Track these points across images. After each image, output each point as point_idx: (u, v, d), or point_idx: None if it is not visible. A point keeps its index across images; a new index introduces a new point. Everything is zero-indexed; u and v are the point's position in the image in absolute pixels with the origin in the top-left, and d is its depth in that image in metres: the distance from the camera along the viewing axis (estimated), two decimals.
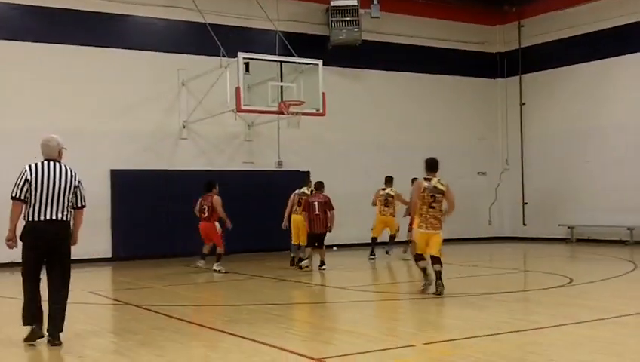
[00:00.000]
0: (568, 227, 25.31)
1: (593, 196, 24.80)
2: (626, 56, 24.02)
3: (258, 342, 8.68)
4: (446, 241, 24.90)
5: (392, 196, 19.97)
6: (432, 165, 13.70)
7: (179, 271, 17.99)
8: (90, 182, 20.28)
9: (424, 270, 13.04)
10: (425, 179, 13.37)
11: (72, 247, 9.03)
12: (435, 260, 12.94)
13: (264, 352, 8.23)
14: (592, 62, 25.04)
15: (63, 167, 8.93)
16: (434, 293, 12.40)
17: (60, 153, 9.06)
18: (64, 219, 8.80)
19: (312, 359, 7.77)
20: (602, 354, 7.88)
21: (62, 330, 8.70)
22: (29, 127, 19.63)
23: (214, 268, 17.12)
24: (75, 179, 9.01)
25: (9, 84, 20.05)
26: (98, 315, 11.86)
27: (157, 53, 21.88)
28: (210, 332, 9.69)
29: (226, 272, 16.80)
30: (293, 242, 18.28)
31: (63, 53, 20.68)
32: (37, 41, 20.41)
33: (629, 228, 23.41)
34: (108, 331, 10.36)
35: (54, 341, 8.58)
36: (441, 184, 13.31)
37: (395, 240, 20.53)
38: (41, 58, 20.44)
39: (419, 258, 13.16)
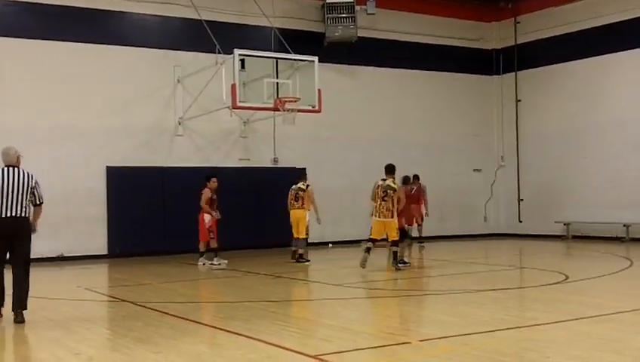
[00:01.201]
0: (564, 224, 25.34)
1: (589, 193, 24.84)
2: (622, 52, 24.05)
3: (254, 338, 8.67)
4: (442, 238, 25.15)
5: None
6: (388, 169, 16.62)
7: (175, 268, 18.00)
8: (86, 178, 20.63)
9: (368, 249, 16.15)
10: (382, 179, 16.38)
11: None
12: (393, 243, 16.29)
13: (260, 349, 8.22)
14: (588, 58, 25.07)
15: (22, 172, 10.32)
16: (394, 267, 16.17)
17: (18, 159, 10.48)
18: (23, 215, 10.23)
19: (309, 356, 7.75)
20: (599, 350, 7.88)
21: (25, 308, 10.15)
22: (25, 125, 19.70)
23: (209, 263, 17.41)
24: (32, 181, 10.34)
25: (4, 81, 20.02)
26: (94, 312, 11.86)
27: (153, 49, 21.85)
28: (206, 328, 9.69)
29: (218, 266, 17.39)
30: (301, 237, 18.60)
31: (59, 51, 20.64)
32: (32, 38, 20.38)
33: (624, 225, 23.45)
34: (104, 327, 10.35)
35: (18, 318, 10.00)
36: (394, 183, 16.29)
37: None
38: (37, 55, 20.40)
39: (369, 240, 16.43)
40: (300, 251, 18.48)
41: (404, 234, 17.45)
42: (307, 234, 18.82)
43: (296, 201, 18.55)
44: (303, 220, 18.44)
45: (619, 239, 23.44)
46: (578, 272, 15.41)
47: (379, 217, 16.11)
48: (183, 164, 21.88)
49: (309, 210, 18.56)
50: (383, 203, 16.06)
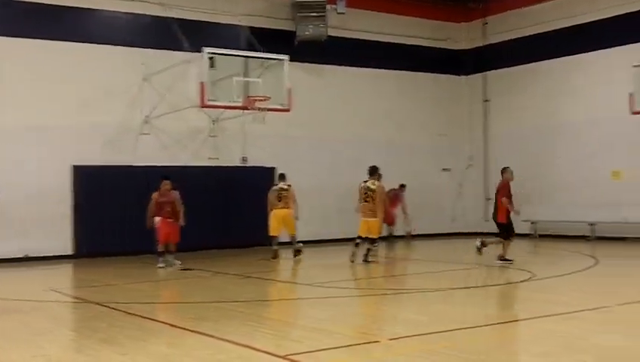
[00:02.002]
0: (531, 222, 25.48)
1: (556, 192, 25.04)
2: (589, 53, 24.24)
3: (223, 339, 8.61)
4: (411, 237, 25.16)
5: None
6: (370, 170, 17.87)
7: (142, 268, 17.86)
8: (51, 177, 20.38)
9: (356, 244, 17.44)
10: (364, 181, 17.63)
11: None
12: (370, 240, 17.54)
13: (229, 350, 8.16)
14: (556, 59, 25.24)
15: None
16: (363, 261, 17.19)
17: None
18: None
19: (278, 356, 7.72)
20: (564, 347, 7.93)
21: None
22: None
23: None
24: None
25: None
26: (59, 313, 11.72)
27: (120, 47, 21.60)
28: (174, 329, 9.60)
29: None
30: (271, 234, 19.15)
31: (24, 48, 20.35)
32: None
33: (590, 224, 23.65)
34: (69, 329, 10.24)
35: None
36: (374, 185, 17.48)
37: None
38: (1, 53, 20.12)
39: (358, 237, 17.65)
40: (296, 245, 19.34)
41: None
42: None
43: (280, 201, 19.05)
44: (289, 218, 19.13)
45: (584, 238, 23.64)
46: (544, 270, 15.51)
47: (363, 217, 17.49)
48: (150, 162, 21.69)
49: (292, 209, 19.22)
50: (365, 203, 17.41)
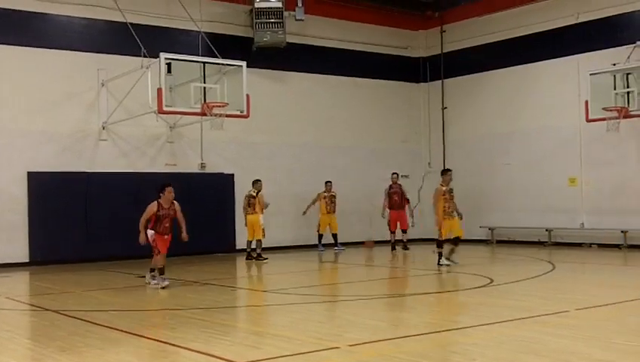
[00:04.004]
0: (489, 228, 25.73)
1: (513, 198, 25.30)
2: (545, 61, 24.55)
3: (181, 347, 8.56)
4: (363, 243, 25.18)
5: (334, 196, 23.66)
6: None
7: (99, 276, 17.68)
8: (6, 184, 20.11)
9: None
10: (441, 184, 17.92)
11: None
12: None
13: (187, 357, 8.11)
14: (512, 67, 25.55)
15: None
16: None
17: None
18: None
19: None
20: (524, 352, 7.99)
21: None
22: None
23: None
24: None
25: None
26: (15, 321, 11.56)
27: (76, 52, 21.40)
28: (132, 337, 9.51)
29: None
30: (248, 238, 20.67)
31: None
32: None
33: (547, 230, 23.93)
34: (25, 337, 10.10)
35: None
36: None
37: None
38: None
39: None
40: (258, 251, 20.44)
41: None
42: (263, 235, 20.48)
43: (249, 207, 20.57)
44: (257, 223, 20.35)
45: (541, 243, 23.91)
46: (502, 276, 15.63)
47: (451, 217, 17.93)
48: (107, 169, 21.52)
49: (262, 214, 20.45)
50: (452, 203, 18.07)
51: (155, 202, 14.75)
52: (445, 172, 18.37)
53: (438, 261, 17.60)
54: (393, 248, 23.27)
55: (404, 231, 23.66)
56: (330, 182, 23.62)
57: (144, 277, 15.50)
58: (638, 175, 22.30)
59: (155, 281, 14.85)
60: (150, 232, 14.66)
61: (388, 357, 7.92)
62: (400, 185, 23.88)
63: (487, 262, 20.55)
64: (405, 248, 23.23)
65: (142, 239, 14.59)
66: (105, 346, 8.90)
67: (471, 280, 15.17)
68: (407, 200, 23.91)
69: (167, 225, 14.78)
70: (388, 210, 23.54)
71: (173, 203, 14.90)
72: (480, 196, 26.20)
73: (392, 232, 23.57)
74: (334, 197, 23.50)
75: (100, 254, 20.73)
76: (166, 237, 14.82)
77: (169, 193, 14.81)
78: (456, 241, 17.81)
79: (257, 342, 9.11)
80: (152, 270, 15.05)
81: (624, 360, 7.69)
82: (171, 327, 9.97)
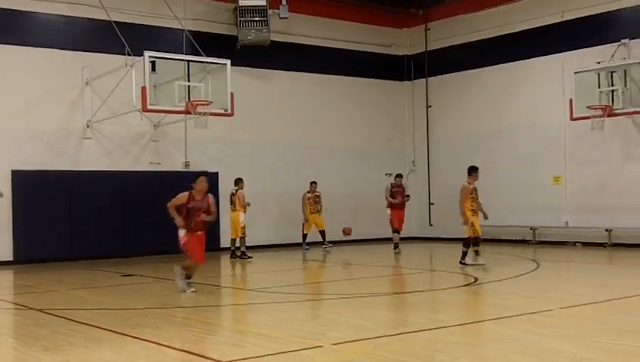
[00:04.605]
0: None
1: (497, 196, 25.25)
2: (530, 60, 24.63)
3: (164, 345, 8.52)
4: (355, 241, 25.28)
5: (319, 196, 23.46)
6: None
7: (83, 275, 17.60)
8: None
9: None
10: (467, 181, 17.25)
11: None
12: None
13: (171, 356, 8.08)
14: (497, 65, 25.61)
15: None
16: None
17: None
18: None
19: None
20: (508, 351, 8.00)
21: None
22: None
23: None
24: None
25: None
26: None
27: (60, 50, 21.34)
28: (115, 336, 9.46)
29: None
30: (231, 237, 20.82)
31: None
32: None
33: (531, 228, 24.00)
34: (9, 336, 10.03)
35: None
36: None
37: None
38: None
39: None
40: (242, 249, 20.48)
41: None
42: (244, 233, 20.47)
43: (231, 205, 20.66)
44: (237, 221, 20.43)
45: (526, 242, 23.98)
46: (486, 274, 15.65)
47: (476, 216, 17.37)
48: (91, 167, 21.44)
49: (243, 212, 20.42)
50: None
51: (187, 192, 13.18)
52: (472, 169, 17.68)
53: (462, 259, 17.09)
54: (396, 246, 22.01)
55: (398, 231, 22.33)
56: (314, 182, 23.51)
57: (129, 275, 15.45)
58: (622, 173, 22.41)
59: (185, 286, 13.21)
60: (181, 233, 13.19)
61: (371, 355, 7.91)
62: (402, 185, 22.72)
63: (471, 261, 20.54)
64: (396, 248, 22.05)
65: (179, 223, 13.11)
66: (89, 345, 8.86)
67: (455, 278, 15.18)
68: (407, 196, 22.85)
69: (200, 219, 13.08)
70: (389, 210, 22.36)
71: (206, 195, 13.23)
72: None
73: (396, 231, 22.27)
74: (319, 197, 23.40)
75: (83, 252, 20.66)
76: (199, 234, 13.18)
77: (201, 183, 13.21)
78: (477, 241, 17.22)
79: (241, 341, 9.08)
80: (188, 276, 13.39)
81: (608, 358, 7.71)
82: (155, 326, 9.93)
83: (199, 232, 13.13)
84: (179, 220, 12.99)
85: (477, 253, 17.06)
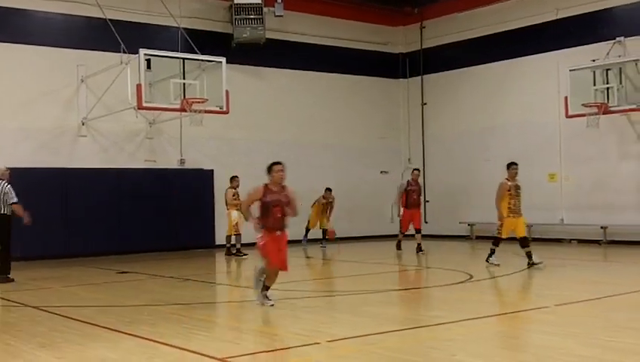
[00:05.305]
0: (468, 224, 25.80)
1: (492, 194, 25.12)
2: (525, 57, 24.62)
3: (160, 342, 8.52)
4: (350, 239, 25.29)
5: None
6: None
7: (78, 272, 17.58)
8: None
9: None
10: (507, 178, 16.82)
11: None
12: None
13: (167, 353, 8.08)
14: (492, 63, 25.60)
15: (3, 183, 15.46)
16: None
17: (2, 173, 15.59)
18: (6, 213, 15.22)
19: (216, 359, 7.67)
20: (504, 348, 8.02)
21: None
22: None
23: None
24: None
25: None
26: None
27: (56, 48, 21.29)
28: (111, 333, 9.45)
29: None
30: (226, 233, 20.69)
31: None
32: None
33: (527, 225, 23.90)
34: (5, 333, 9.99)
35: None
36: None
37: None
38: None
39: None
40: (238, 246, 20.35)
41: None
42: (237, 231, 20.23)
43: (225, 203, 20.57)
44: (228, 219, 20.37)
45: None
46: (482, 272, 15.67)
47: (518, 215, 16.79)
48: (87, 165, 21.41)
49: (235, 210, 19.97)
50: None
51: (262, 185, 11.27)
52: (511, 166, 16.96)
53: (489, 257, 16.57)
54: (399, 248, 21.00)
55: (418, 231, 20.73)
56: (329, 189, 23.04)
57: (124, 273, 15.43)
58: (617, 171, 22.45)
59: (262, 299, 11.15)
60: (257, 235, 11.11)
61: (367, 352, 7.92)
62: (418, 182, 21.24)
63: (467, 258, 20.60)
64: (420, 250, 20.31)
65: (254, 223, 11.06)
66: (84, 342, 8.85)
67: (451, 276, 15.19)
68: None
69: (280, 215, 10.99)
70: (402, 208, 20.81)
71: (284, 186, 11.39)
72: (459, 192, 26.29)
73: (404, 233, 21.08)
74: (331, 203, 23.03)
75: (79, 250, 20.62)
76: (278, 234, 10.99)
77: (278, 172, 11.43)
78: (524, 242, 16.42)
79: (237, 338, 9.09)
80: (266, 287, 11.22)
81: (604, 355, 7.71)
82: (151, 323, 9.93)
83: (278, 232, 11.01)
84: (254, 220, 11.01)
85: (529, 255, 16.13)
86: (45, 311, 11.32)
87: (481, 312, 10.35)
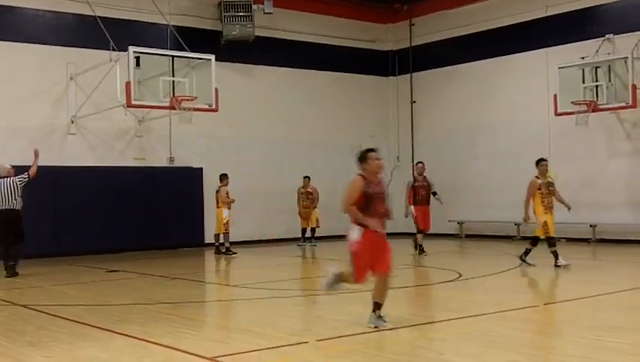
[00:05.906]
0: (457, 223, 25.83)
1: (481, 192, 25.38)
2: (514, 55, 24.65)
3: (149, 341, 8.52)
4: (340, 237, 25.22)
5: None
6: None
7: (66, 270, 17.54)
8: None
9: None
10: (536, 176, 16.29)
11: None
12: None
13: (156, 352, 8.07)
14: (482, 60, 25.61)
15: (10, 180, 16.15)
16: None
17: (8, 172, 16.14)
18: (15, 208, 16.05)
19: (205, 358, 7.67)
20: (493, 347, 8.03)
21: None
22: None
23: None
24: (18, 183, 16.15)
25: None
26: None
27: (44, 46, 21.20)
28: (100, 332, 9.44)
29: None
30: (215, 232, 20.83)
31: None
32: None
33: (515, 224, 24.02)
34: None
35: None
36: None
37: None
38: None
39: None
40: (227, 245, 20.41)
41: None
42: (227, 229, 20.27)
43: (216, 201, 20.65)
44: (218, 218, 20.45)
45: (510, 238, 24.02)
46: (471, 270, 15.71)
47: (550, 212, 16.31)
48: (76, 163, 21.34)
49: (227, 209, 20.28)
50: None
51: (359, 176, 9.46)
52: (540, 162, 16.45)
53: (525, 256, 16.12)
54: (422, 250, 19.81)
55: (423, 232, 20.18)
56: (307, 177, 23.49)
57: (114, 271, 15.39)
58: (607, 169, 22.51)
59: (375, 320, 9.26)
60: (354, 234, 9.26)
61: (356, 352, 7.93)
62: (425, 177, 20.61)
63: (456, 257, 20.65)
64: (422, 251, 19.72)
65: (361, 219, 9.21)
66: (74, 341, 8.84)
67: (440, 274, 15.23)
68: (435, 193, 20.61)
69: (383, 210, 9.34)
70: (412, 206, 20.30)
71: (381, 179, 9.60)
72: (449, 190, 26.16)
73: (421, 231, 20.14)
74: (310, 193, 23.33)
75: (68, 248, 20.56)
76: (380, 233, 9.24)
77: (375, 160, 9.34)
78: (552, 242, 15.99)
79: (226, 337, 9.09)
80: (378, 305, 9.41)
81: (593, 354, 7.74)
82: (140, 322, 9.91)
83: (380, 230, 9.23)
84: (361, 217, 9.17)
85: (555, 254, 15.85)
86: (34, 309, 11.30)
87: (470, 311, 10.37)
